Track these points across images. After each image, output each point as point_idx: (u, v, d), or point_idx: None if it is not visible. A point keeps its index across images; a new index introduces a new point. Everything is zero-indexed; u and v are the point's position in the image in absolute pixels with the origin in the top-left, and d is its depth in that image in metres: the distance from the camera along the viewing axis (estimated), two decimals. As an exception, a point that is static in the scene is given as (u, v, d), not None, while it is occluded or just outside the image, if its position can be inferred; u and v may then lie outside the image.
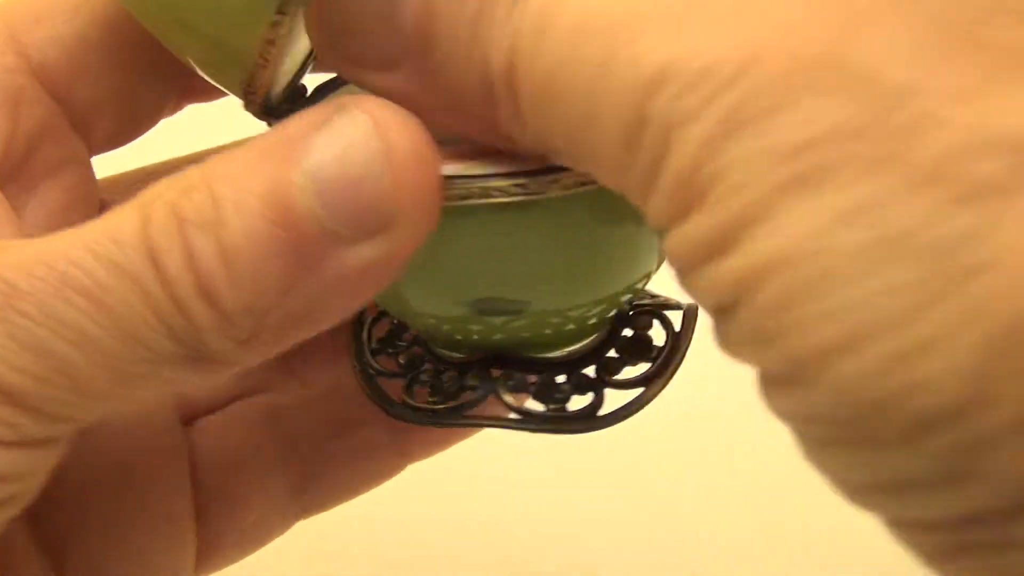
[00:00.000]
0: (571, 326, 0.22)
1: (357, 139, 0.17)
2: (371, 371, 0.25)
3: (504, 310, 0.21)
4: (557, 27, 0.16)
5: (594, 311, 0.22)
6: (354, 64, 0.18)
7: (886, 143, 0.13)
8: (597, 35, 0.15)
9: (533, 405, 0.22)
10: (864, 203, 0.13)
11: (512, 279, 0.21)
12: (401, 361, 0.24)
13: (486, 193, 0.18)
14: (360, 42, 0.18)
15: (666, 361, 0.23)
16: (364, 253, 0.17)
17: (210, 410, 0.26)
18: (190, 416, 0.26)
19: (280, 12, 0.18)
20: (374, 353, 0.25)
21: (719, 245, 0.14)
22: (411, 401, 0.23)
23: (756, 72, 0.14)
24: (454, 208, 0.18)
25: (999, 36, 0.14)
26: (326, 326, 0.18)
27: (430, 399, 0.23)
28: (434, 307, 0.22)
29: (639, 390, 0.22)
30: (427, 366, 0.24)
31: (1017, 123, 0.13)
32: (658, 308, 0.24)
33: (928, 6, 0.14)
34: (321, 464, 0.26)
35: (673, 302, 0.24)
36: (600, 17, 0.15)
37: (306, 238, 0.17)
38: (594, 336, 0.23)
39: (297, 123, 0.17)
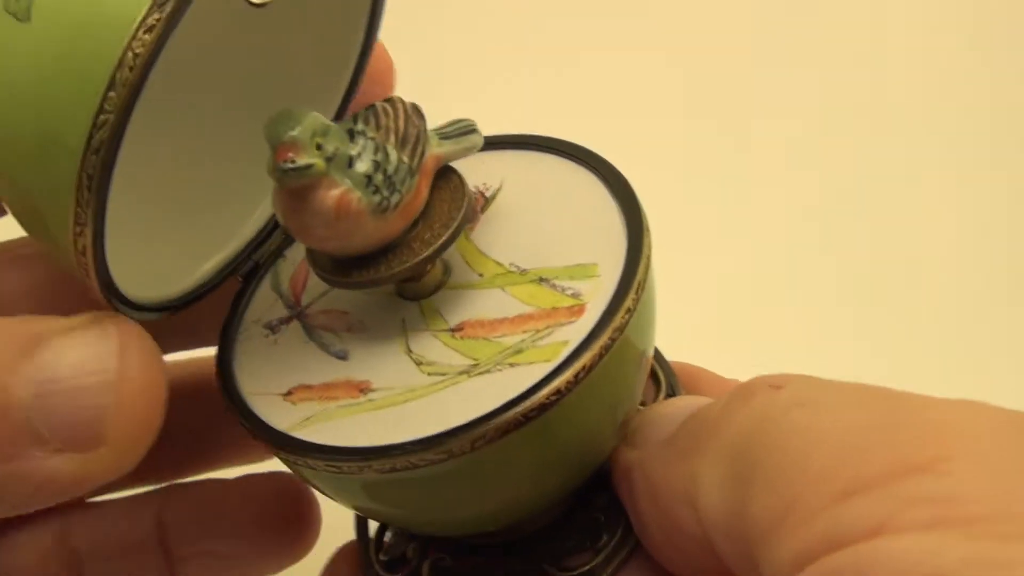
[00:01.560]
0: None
1: (98, 352, 0.16)
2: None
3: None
4: None
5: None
6: None
7: None
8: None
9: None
10: None
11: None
12: None
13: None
14: None
15: (608, 557, 0.20)
16: (58, 465, 0.16)
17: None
18: None
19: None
20: None
21: None
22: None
23: None
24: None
25: None
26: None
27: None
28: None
29: None
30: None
31: None
32: None
33: None
34: None
35: None
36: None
37: (8, 427, 0.16)
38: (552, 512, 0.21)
39: (48, 319, 0.17)
